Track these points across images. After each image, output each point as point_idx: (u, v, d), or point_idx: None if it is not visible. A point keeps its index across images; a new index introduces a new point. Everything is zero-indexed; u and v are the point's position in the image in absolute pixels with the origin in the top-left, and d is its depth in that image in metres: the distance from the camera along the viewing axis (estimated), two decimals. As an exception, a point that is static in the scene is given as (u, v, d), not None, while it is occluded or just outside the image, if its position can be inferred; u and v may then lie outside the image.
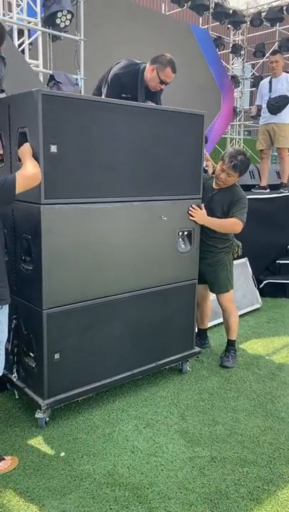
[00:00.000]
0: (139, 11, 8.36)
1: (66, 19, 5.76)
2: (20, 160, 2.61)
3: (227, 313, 3.84)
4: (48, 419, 2.88)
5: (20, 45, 5.61)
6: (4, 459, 2.53)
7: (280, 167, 6.58)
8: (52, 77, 5.81)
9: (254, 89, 10.73)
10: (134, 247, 3.11)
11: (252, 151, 7.95)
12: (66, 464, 2.56)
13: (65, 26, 5.87)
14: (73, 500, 2.30)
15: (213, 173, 3.77)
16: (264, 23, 10.28)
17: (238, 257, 4.05)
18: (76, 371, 2.93)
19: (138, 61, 3.65)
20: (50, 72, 5.95)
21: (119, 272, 3.05)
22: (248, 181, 6.27)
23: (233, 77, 10.99)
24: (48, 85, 5.76)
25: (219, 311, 3.98)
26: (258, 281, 5.49)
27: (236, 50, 10.83)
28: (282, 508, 2.30)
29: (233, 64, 11.69)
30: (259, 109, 6.45)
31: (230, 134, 11.72)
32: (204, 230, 3.52)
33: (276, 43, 10.74)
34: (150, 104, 3.57)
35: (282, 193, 6.15)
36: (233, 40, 11.10)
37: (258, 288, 5.43)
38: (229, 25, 10.51)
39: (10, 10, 5.58)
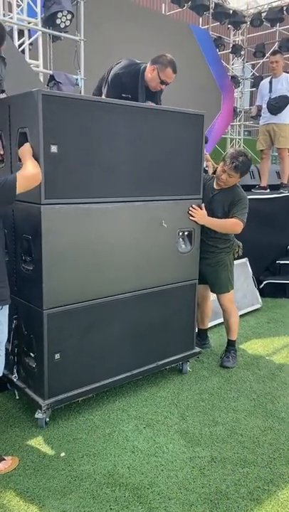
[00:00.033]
0: (139, 11, 8.36)
1: (66, 19, 5.77)
2: (20, 160, 2.61)
3: (227, 313, 3.84)
4: (48, 419, 2.88)
5: (20, 45, 5.62)
6: (4, 459, 2.53)
7: (280, 167, 6.58)
8: (52, 78, 5.82)
9: (254, 89, 10.73)
10: (134, 247, 3.11)
11: (252, 151, 7.93)
12: (66, 464, 2.56)
13: (65, 26, 5.88)
14: (73, 500, 2.30)
15: (214, 173, 3.76)
16: (264, 23, 10.29)
17: (239, 257, 4.05)
18: (76, 371, 2.93)
19: (138, 61, 3.66)
20: (51, 72, 5.96)
21: (119, 272, 3.05)
22: (248, 181, 6.27)
23: (233, 77, 11.00)
24: (48, 85, 5.77)
25: (219, 311, 3.98)
26: (258, 281, 5.49)
27: (236, 50, 10.84)
28: (283, 508, 2.30)
29: (233, 64, 11.70)
30: (259, 109, 6.45)
31: (231, 134, 11.73)
32: (205, 230, 3.52)
33: (276, 43, 10.75)
34: (150, 104, 3.58)
35: (282, 193, 6.15)
36: (233, 41, 11.11)
37: (258, 288, 5.43)
38: (229, 26, 10.52)
39: (10, 10, 5.59)
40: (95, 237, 2.88)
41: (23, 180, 2.37)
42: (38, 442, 2.74)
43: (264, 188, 6.18)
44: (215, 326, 4.51)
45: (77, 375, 2.93)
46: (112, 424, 2.93)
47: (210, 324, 4.31)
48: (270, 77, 6.22)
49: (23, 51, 5.62)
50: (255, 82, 10.48)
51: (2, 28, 2.88)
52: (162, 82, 3.52)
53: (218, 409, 3.16)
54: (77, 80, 6.06)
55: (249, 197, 3.70)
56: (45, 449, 2.69)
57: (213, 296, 4.01)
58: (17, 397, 3.13)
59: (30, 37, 5.78)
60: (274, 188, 6.31)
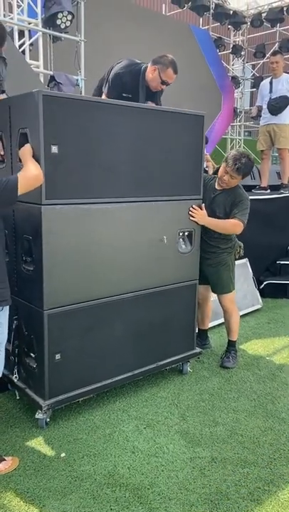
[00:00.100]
0: (140, 12, 8.38)
1: (67, 20, 5.78)
2: (20, 161, 2.61)
3: (228, 313, 3.84)
4: (48, 419, 2.88)
5: (20, 45, 5.63)
6: (5, 460, 2.53)
7: (280, 168, 6.59)
8: (52, 78, 5.83)
9: (254, 89, 10.75)
10: (134, 248, 3.11)
11: (252, 151, 7.94)
12: (67, 465, 2.56)
13: (66, 27, 5.89)
14: (74, 500, 2.30)
15: (214, 173, 3.76)
16: (264, 23, 10.30)
17: (240, 258, 4.05)
18: (77, 372, 2.93)
19: (139, 61, 3.66)
20: (51, 72, 5.97)
21: (119, 272, 3.05)
22: (248, 182, 6.26)
23: (234, 77, 11.01)
24: (48, 86, 5.78)
25: (220, 311, 3.98)
26: (258, 281, 5.49)
27: (237, 50, 10.86)
28: (283, 508, 2.30)
29: (233, 65, 11.71)
30: (259, 109, 6.46)
31: (231, 135, 11.74)
32: (207, 230, 3.52)
33: (276, 44, 10.76)
34: (151, 104, 3.58)
35: (282, 193, 6.15)
36: (234, 41, 11.12)
37: (259, 289, 5.43)
38: (229, 26, 10.54)
39: (10, 11, 5.60)
40: (95, 238, 2.88)
41: (25, 181, 2.37)
42: (38, 443, 2.74)
43: (264, 189, 6.19)
44: (215, 326, 4.51)
45: (77, 375, 2.93)
46: (113, 425, 2.93)
47: (210, 325, 4.32)
48: (270, 78, 6.23)
49: (23, 52, 5.63)
50: (256, 83, 10.49)
51: (3, 29, 2.89)
52: (163, 83, 3.53)
53: (219, 409, 3.16)
54: (77, 80, 6.07)
55: (249, 197, 3.70)
56: (45, 449, 2.69)
57: (213, 297, 4.01)
58: (17, 398, 3.13)
59: (30, 37, 5.80)
60: (274, 188, 6.31)
